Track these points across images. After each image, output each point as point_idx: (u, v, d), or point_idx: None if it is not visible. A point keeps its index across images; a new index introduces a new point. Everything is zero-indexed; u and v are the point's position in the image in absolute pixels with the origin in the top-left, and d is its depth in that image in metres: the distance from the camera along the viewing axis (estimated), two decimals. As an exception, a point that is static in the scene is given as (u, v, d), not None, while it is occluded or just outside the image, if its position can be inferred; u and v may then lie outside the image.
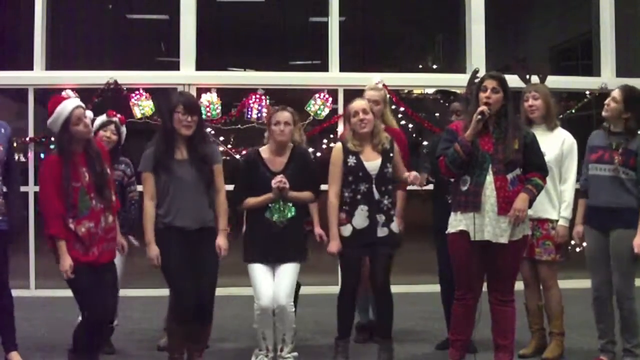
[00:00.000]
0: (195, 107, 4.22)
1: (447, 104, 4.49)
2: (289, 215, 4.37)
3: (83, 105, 4.05)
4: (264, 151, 4.48)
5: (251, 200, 4.39)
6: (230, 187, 4.52)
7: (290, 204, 4.38)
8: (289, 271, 4.36)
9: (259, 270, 4.36)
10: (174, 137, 4.16)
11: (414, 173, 4.48)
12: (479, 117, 3.98)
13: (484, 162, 4.01)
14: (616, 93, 4.38)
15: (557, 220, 4.62)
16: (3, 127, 4.45)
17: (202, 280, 4.16)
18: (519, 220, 3.99)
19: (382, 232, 4.39)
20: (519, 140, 4.05)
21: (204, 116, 6.74)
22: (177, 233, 4.12)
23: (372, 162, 4.41)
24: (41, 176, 4.00)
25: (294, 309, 4.37)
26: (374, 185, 4.38)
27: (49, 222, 3.91)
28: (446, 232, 4.17)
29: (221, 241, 4.22)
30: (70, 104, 3.98)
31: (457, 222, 4.08)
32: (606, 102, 4.42)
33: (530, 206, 4.08)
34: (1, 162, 4.34)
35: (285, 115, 4.40)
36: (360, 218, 4.38)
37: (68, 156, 3.94)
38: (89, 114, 4.73)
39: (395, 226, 4.44)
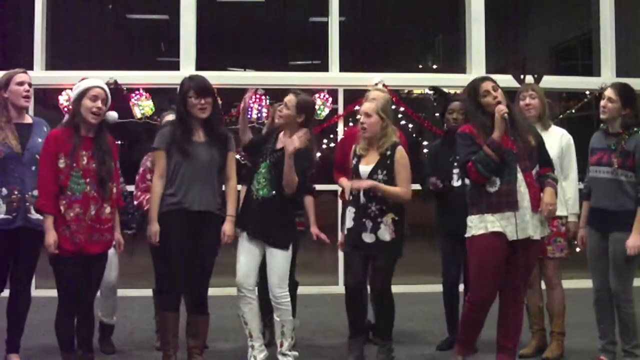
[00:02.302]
0: (208, 89, 4.21)
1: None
2: (261, 192, 4.29)
3: (106, 89, 4.08)
4: (284, 131, 4.42)
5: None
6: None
7: (269, 185, 4.27)
8: (278, 260, 4.29)
9: (242, 245, 4.34)
10: (190, 121, 4.18)
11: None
12: (506, 115, 3.97)
13: (511, 161, 4.00)
14: (611, 92, 4.34)
15: (565, 217, 4.64)
16: (45, 126, 4.46)
17: (198, 268, 4.17)
18: (552, 213, 4.05)
19: (369, 238, 4.34)
20: (534, 137, 4.11)
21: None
22: (181, 217, 4.10)
23: (366, 166, 4.40)
24: (41, 151, 4.02)
25: (289, 299, 4.34)
26: (361, 190, 4.37)
27: (39, 196, 3.95)
28: (469, 235, 4.08)
29: (227, 227, 4.21)
30: (94, 81, 4.09)
31: (488, 224, 4.00)
32: (602, 104, 4.36)
33: None
34: None
35: (288, 97, 4.37)
36: (349, 218, 4.42)
37: (76, 127, 3.97)
38: (113, 114, 4.75)
39: (384, 234, 4.32)
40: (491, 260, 4.01)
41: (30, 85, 4.37)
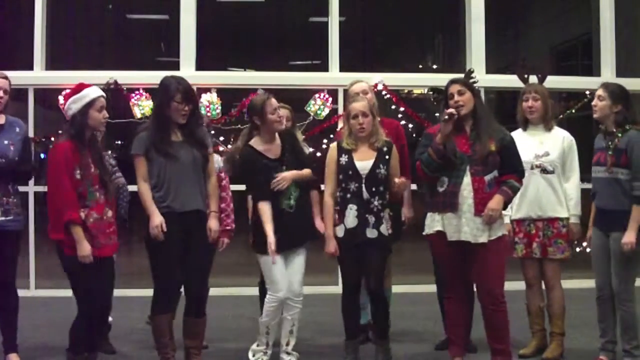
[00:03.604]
0: (192, 95, 4.20)
1: (434, 101, 4.49)
2: (292, 201, 4.38)
3: (104, 95, 4.14)
4: (256, 143, 4.44)
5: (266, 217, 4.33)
6: (236, 186, 4.53)
7: (296, 186, 4.39)
8: (300, 258, 4.42)
9: (269, 259, 4.35)
10: (169, 122, 4.15)
11: (402, 179, 4.42)
12: (446, 117, 4.01)
13: (462, 164, 4.03)
14: (599, 91, 4.40)
15: (566, 218, 4.64)
16: (18, 126, 4.44)
17: (195, 270, 4.16)
18: (492, 220, 4.00)
19: (371, 233, 4.33)
20: (496, 142, 4.06)
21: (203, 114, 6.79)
22: (172, 219, 4.07)
23: (364, 162, 4.38)
24: (54, 164, 3.97)
25: (302, 298, 4.45)
26: (363, 185, 4.35)
27: (64, 209, 3.88)
28: (424, 233, 4.21)
29: (212, 223, 4.22)
30: (96, 90, 4.10)
31: (434, 223, 4.11)
32: (593, 103, 4.42)
33: (505, 207, 4.11)
34: (12, 162, 4.32)
35: (275, 101, 4.42)
36: (350, 217, 4.36)
37: (82, 139, 3.98)
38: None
39: (385, 228, 4.35)
40: (440, 258, 4.18)
41: (5, 92, 4.36)
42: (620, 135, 4.28)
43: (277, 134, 4.48)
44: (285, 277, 4.36)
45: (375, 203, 4.34)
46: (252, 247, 4.49)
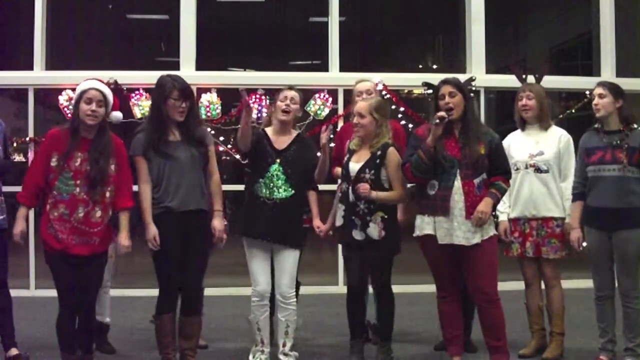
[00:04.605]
0: (189, 92, 4.18)
1: (428, 97, 4.46)
2: (277, 195, 4.31)
3: (104, 90, 4.05)
4: (269, 131, 4.47)
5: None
6: (231, 186, 4.51)
7: (287, 186, 4.33)
8: (288, 259, 4.35)
9: (256, 255, 4.35)
10: (167, 121, 4.13)
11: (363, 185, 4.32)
12: (437, 121, 4.01)
13: (452, 167, 4.04)
14: (599, 89, 4.39)
15: (561, 218, 4.63)
16: None
17: (192, 269, 4.15)
18: (482, 222, 4.01)
19: (359, 235, 4.31)
20: (485, 145, 4.07)
21: (203, 115, 6.80)
22: (171, 219, 4.06)
23: (356, 164, 4.37)
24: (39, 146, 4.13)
25: (296, 300, 4.39)
26: (350, 187, 4.36)
27: (22, 187, 4.00)
28: (414, 234, 4.20)
29: (217, 223, 4.20)
30: (90, 83, 4.07)
31: (424, 225, 4.11)
32: (594, 102, 4.41)
33: (494, 209, 4.11)
34: (3, 161, 4.36)
35: (292, 92, 4.42)
36: (339, 217, 4.42)
37: (75, 130, 3.98)
38: (117, 115, 4.75)
39: (374, 232, 4.28)
40: (430, 259, 4.18)
41: None
42: (628, 133, 4.28)
43: (292, 133, 4.46)
44: (263, 271, 4.34)
45: (361, 206, 4.30)
46: (239, 233, 4.43)
